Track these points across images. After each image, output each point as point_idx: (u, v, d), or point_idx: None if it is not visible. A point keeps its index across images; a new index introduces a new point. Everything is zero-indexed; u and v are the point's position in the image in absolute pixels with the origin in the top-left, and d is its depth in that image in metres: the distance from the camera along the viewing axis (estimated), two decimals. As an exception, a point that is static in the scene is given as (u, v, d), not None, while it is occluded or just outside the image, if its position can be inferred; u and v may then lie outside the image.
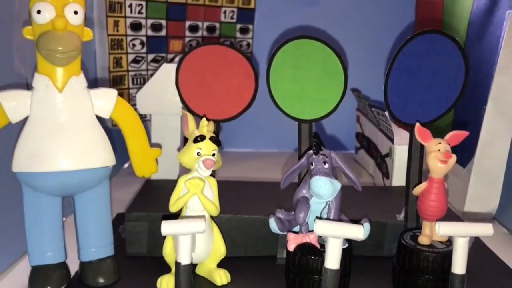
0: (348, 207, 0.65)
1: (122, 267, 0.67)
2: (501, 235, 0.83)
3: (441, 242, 0.63)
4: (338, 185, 0.59)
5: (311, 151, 0.60)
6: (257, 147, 1.35)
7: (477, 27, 0.90)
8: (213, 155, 0.60)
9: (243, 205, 0.73)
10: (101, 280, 0.62)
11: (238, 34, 1.23)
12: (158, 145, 0.74)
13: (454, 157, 0.59)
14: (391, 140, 0.90)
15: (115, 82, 1.00)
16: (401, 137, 0.88)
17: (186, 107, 0.70)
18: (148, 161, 0.66)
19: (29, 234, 0.60)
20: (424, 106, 0.66)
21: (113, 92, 0.62)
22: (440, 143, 0.60)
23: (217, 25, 1.19)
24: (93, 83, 0.99)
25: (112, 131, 1.02)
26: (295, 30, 1.26)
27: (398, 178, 0.88)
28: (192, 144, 0.60)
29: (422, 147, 0.65)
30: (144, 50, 1.06)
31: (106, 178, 0.64)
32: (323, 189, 0.57)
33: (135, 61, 1.04)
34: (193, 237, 0.56)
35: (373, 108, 0.98)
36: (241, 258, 0.70)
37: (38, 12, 0.55)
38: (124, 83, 1.02)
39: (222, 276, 0.63)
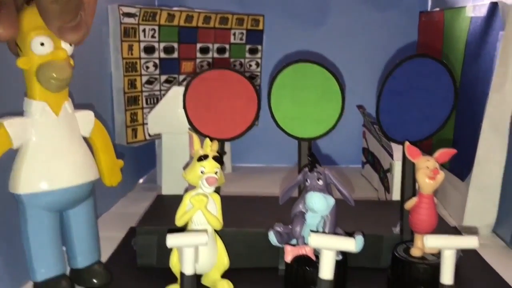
0: (346, 220, 0.69)
1: (133, 277, 0.72)
2: (499, 248, 0.86)
3: (432, 254, 0.66)
4: (331, 201, 0.63)
5: (306, 169, 0.65)
6: (267, 162, 1.39)
7: (474, 47, 0.93)
8: (216, 173, 0.65)
9: (246, 219, 0.77)
10: (94, 281, 0.69)
11: (247, 55, 1.28)
12: (121, 157, 0.78)
13: (442, 174, 0.63)
14: (391, 155, 0.93)
15: (130, 102, 1.06)
16: (400, 153, 0.91)
17: (192, 127, 0.75)
18: (116, 171, 0.73)
19: (34, 251, 0.64)
20: (415, 125, 0.70)
21: (91, 114, 0.69)
22: (428, 160, 0.64)
23: (227, 46, 1.24)
24: (109, 104, 1.06)
25: (127, 149, 1.08)
26: (302, 50, 1.31)
27: (398, 192, 0.91)
28: (196, 163, 0.65)
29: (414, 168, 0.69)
30: (157, 71, 1.11)
31: (93, 190, 0.70)
32: (317, 204, 0.61)
33: (148, 82, 1.10)
34: (196, 249, 0.60)
35: (375, 125, 1.02)
36: (244, 270, 0.74)
37: (42, 44, 0.60)
38: (138, 103, 1.07)
39: (225, 287, 0.67)
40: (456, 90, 0.69)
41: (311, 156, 0.64)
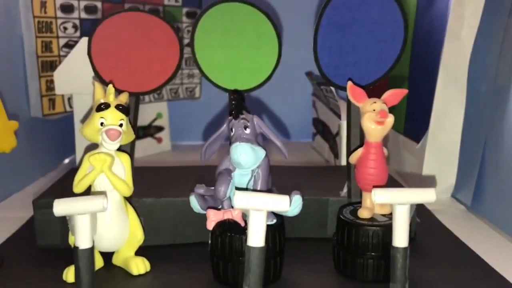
0: (287, 187, 0.58)
1: (30, 260, 0.60)
2: (459, 212, 0.77)
3: (384, 215, 0.56)
4: (261, 153, 0.52)
5: (230, 116, 0.53)
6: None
7: (427, -7, 0.84)
8: (121, 125, 0.53)
9: (167, 188, 0.65)
10: None
11: (184, 19, 1.16)
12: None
13: (391, 117, 0.53)
14: (339, 116, 0.83)
15: (45, 68, 0.92)
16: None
17: (100, 79, 0.63)
18: (8, 135, 0.60)
19: None
20: (361, 66, 0.59)
21: None
22: (375, 102, 0.53)
23: (160, 8, 1.12)
24: (21, 70, 0.92)
25: (47, 123, 0.94)
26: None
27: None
28: (95, 114, 0.53)
29: (362, 112, 0.59)
30: (78, 34, 0.98)
31: None
32: (244, 157, 0.50)
33: (67, 45, 0.96)
34: (93, 217, 0.48)
35: (322, 86, 0.92)
36: (168, 246, 0.63)
37: None
38: (55, 69, 0.93)
39: (139, 265, 0.56)
40: (406, 23, 0.59)
41: (237, 99, 0.53)
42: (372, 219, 0.55)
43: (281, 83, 1.23)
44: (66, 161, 1.08)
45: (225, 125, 0.55)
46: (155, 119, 1.13)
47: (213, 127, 1.26)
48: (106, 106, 0.53)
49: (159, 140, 1.15)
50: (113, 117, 0.53)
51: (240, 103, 0.53)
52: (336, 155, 0.88)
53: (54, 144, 1.03)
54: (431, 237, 0.67)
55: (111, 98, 0.54)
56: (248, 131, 0.52)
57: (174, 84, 1.17)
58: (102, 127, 0.52)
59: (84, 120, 0.76)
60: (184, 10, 1.16)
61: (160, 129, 1.15)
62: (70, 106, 0.97)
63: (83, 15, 0.99)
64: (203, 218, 0.60)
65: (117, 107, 0.53)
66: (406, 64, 0.88)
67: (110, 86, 0.55)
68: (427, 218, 0.73)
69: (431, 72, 0.80)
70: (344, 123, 0.82)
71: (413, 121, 0.88)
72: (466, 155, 0.78)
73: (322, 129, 1.05)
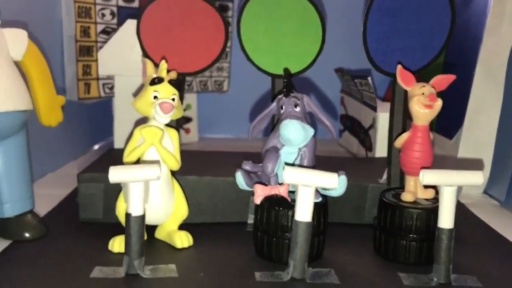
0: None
1: (73, 232, 0.61)
2: (492, 207, 0.77)
3: (426, 199, 0.57)
4: (310, 131, 0.53)
5: (281, 95, 0.54)
6: (237, 133, 1.28)
7: (465, -9, 0.85)
8: (173, 100, 0.54)
9: (211, 168, 0.66)
10: (26, 234, 0.57)
11: (216, 12, 1.18)
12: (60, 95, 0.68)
13: (439, 101, 0.54)
14: (374, 109, 0.84)
15: (82, 52, 0.94)
16: (384, 105, 0.82)
17: (148, 59, 0.64)
18: (56, 109, 0.62)
19: None
20: (407, 53, 0.60)
21: (23, 33, 0.58)
22: (424, 86, 0.54)
23: (194, 0, 1.13)
24: (59, 55, 0.94)
25: (81, 107, 0.96)
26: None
27: (382, 148, 0.82)
28: (148, 87, 0.54)
29: (406, 98, 0.59)
30: (115, 21, 0.99)
31: (25, 126, 0.59)
32: (294, 134, 0.51)
33: (104, 32, 0.98)
34: (146, 185, 0.49)
35: (356, 80, 0.93)
36: (208, 224, 0.64)
37: None
38: (92, 54, 0.95)
39: (183, 238, 0.57)
40: (453, 13, 0.59)
41: (287, 78, 0.54)
42: (415, 202, 0.55)
43: (307, 82, 1.24)
44: (96, 147, 1.10)
45: (274, 104, 0.56)
46: (184, 110, 1.14)
47: (239, 121, 1.27)
48: (160, 80, 0.54)
49: (187, 130, 1.16)
50: (166, 91, 0.54)
51: (291, 82, 0.54)
52: (369, 148, 0.88)
53: (87, 128, 1.05)
54: (466, 228, 0.67)
55: (164, 74, 0.55)
56: (298, 109, 0.53)
57: (204, 76, 1.18)
58: (155, 100, 0.53)
59: (124, 101, 0.77)
60: (216, 3, 1.17)
61: (188, 120, 1.16)
62: (105, 92, 0.99)
63: (121, 3, 1.00)
64: (243, 198, 0.61)
65: (170, 82, 0.54)
66: (440, 62, 0.89)
67: (163, 62, 0.56)
68: (461, 211, 0.73)
69: (466, 69, 0.81)
70: (381, 115, 0.83)
71: (446, 118, 0.88)
72: (500, 150, 0.78)
73: (350, 125, 1.06)
